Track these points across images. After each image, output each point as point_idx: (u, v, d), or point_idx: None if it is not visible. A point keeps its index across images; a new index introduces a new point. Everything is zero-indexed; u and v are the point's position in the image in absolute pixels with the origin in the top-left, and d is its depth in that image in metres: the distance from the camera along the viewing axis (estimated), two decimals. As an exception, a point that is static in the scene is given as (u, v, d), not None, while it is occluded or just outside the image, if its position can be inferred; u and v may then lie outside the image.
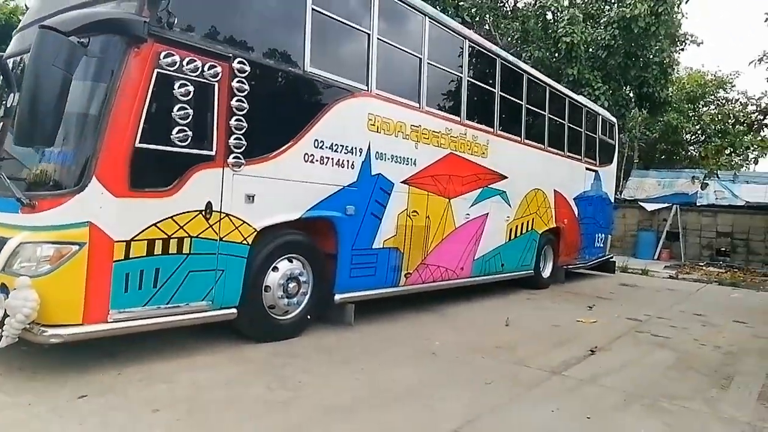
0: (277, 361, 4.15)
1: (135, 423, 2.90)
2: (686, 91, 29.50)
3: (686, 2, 15.84)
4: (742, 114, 13.64)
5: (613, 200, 12.01)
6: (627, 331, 6.42)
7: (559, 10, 15.79)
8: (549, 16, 16.53)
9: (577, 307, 7.80)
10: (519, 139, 8.06)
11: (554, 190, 9.17)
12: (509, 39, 17.93)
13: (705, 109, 29.70)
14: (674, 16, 15.58)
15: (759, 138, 14.55)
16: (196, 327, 4.23)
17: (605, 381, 4.41)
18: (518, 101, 8.02)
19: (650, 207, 17.24)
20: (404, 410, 3.39)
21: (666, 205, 16.81)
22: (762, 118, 13.32)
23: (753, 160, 27.68)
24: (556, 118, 9.16)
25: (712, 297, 10.40)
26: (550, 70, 15.99)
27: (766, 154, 20.04)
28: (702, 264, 15.60)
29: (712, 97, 30.52)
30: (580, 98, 10.60)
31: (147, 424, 2.90)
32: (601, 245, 11.43)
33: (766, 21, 14.70)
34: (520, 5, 20.10)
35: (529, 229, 8.49)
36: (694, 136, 30.94)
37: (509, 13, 19.88)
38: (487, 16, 19.27)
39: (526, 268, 8.63)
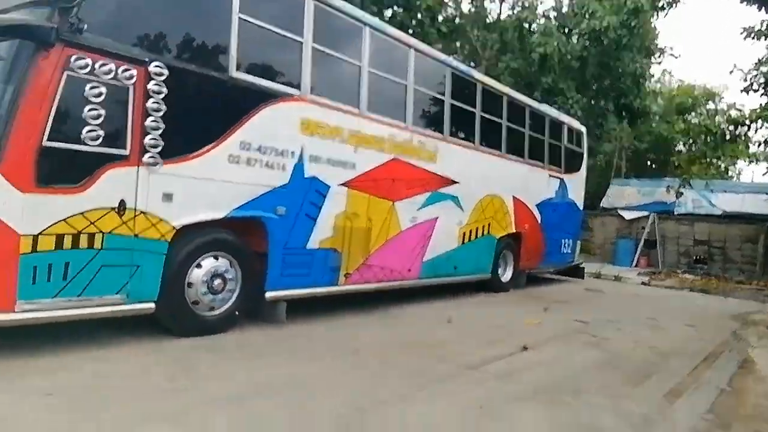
0: (192, 354, 4.26)
1: (19, 405, 3.02)
2: (676, 103, 29.82)
3: (665, 15, 16.15)
4: (713, 125, 13.74)
5: (581, 207, 12.10)
6: (568, 333, 6.51)
7: (535, 21, 16.09)
8: (526, 27, 16.83)
9: (530, 310, 7.88)
10: (472, 145, 8.20)
11: (513, 197, 9.29)
12: (489, 50, 18.22)
13: (695, 120, 29.97)
14: (648, 29, 15.84)
15: (729, 148, 14.64)
16: (127, 321, 4.36)
17: (521, 377, 4.50)
18: (471, 109, 8.18)
19: (629, 215, 17.34)
20: (288, 401, 3.46)
21: (644, 213, 16.89)
22: (733, 128, 13.42)
23: (735, 170, 27.79)
24: (515, 126, 9.30)
25: (676, 303, 10.47)
26: (526, 79, 16.28)
27: (736, 164, 20.12)
28: (679, 271, 15.65)
29: (702, 108, 30.80)
30: (544, 107, 10.75)
31: (29, 406, 3.01)
32: (569, 251, 11.51)
33: (742, 35, 14.93)
34: (502, 17, 20.44)
35: (485, 233, 8.60)
36: (685, 147, 31.18)
37: (491, 25, 20.22)
38: (469, 27, 19.62)
39: (482, 272, 8.73)
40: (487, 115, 8.52)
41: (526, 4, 17.58)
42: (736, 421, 3.79)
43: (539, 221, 10.14)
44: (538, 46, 14.85)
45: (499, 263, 9.17)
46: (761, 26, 14.54)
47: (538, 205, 10.11)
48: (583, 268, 12.25)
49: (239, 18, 4.81)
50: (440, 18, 17.30)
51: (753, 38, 14.65)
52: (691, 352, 5.92)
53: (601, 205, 19.11)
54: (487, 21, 20.47)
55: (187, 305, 4.63)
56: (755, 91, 14.54)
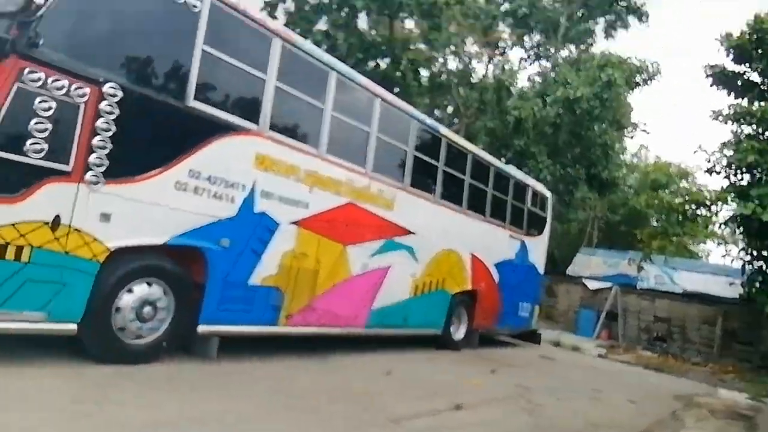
0: (110, 381, 4.13)
1: None
2: (651, 179, 30.83)
3: (640, 91, 16.91)
4: (675, 203, 14.23)
5: (542, 271, 12.22)
6: (508, 396, 6.44)
7: (513, 85, 16.76)
8: (505, 89, 17.50)
9: (477, 371, 7.83)
10: (432, 197, 8.34)
11: (471, 254, 9.37)
12: (469, 107, 18.83)
13: (669, 198, 30.87)
14: (621, 103, 16.59)
15: (689, 227, 15.11)
16: (52, 340, 4.23)
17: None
18: (434, 162, 8.37)
19: (592, 285, 17.55)
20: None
21: (608, 285, 17.12)
22: (694, 207, 13.88)
23: (704, 250, 28.50)
24: (478, 184, 9.50)
25: (627, 378, 10.47)
26: (501, 140, 16.78)
27: (705, 243, 20.63)
28: (639, 347, 15.73)
29: (675, 186, 31.86)
30: (509, 168, 11.05)
31: None
32: (527, 315, 11.53)
33: (711, 117, 15.70)
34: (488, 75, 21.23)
35: (439, 287, 8.61)
36: (658, 222, 32.02)
37: (475, 84, 20.94)
38: (453, 84, 20.30)
39: (433, 327, 8.69)
40: (449, 170, 8.70)
41: (507, 68, 18.36)
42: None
43: (497, 281, 10.20)
44: (514, 109, 15.42)
45: (452, 320, 9.13)
46: (729, 110, 15.35)
47: (496, 265, 10.19)
48: (540, 334, 12.24)
49: (203, 50, 4.94)
50: (426, 73, 17.90)
51: (720, 121, 15.43)
52: (622, 427, 5.90)
53: (567, 272, 19.33)
54: (472, 80, 21.28)
55: (111, 331, 4.51)
56: (717, 173, 15.14)
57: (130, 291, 4.61)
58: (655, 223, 31.73)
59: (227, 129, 5.22)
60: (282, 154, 5.78)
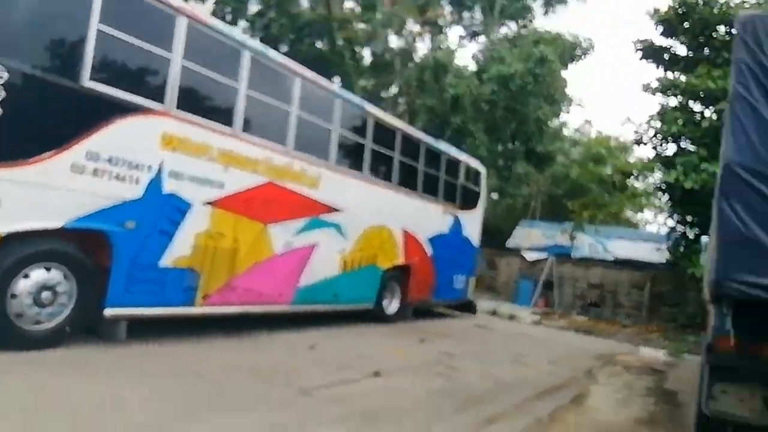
0: (1, 368, 4.05)
1: None
2: (593, 153, 31.92)
3: (575, 65, 17.38)
4: (605, 174, 14.83)
5: (477, 244, 12.56)
6: (429, 363, 6.65)
7: (451, 64, 16.94)
8: (443, 68, 17.66)
9: (407, 341, 8.03)
10: (360, 175, 8.41)
11: (403, 229, 9.54)
12: (410, 86, 18.94)
13: (598, 170, 32.07)
14: (555, 78, 17.05)
15: (620, 197, 15.83)
16: None
17: (354, 401, 4.59)
18: (361, 140, 8.42)
19: (530, 256, 18.17)
20: (86, 416, 3.37)
21: (545, 255, 17.76)
22: (624, 178, 14.52)
23: (641, 219, 29.83)
24: (408, 160, 9.64)
25: (556, 342, 10.91)
26: (440, 118, 16.99)
27: (642, 212, 21.64)
28: (574, 313, 16.46)
29: (616, 159, 33.10)
30: (441, 144, 11.21)
31: None
32: (462, 286, 11.85)
33: (642, 90, 16.30)
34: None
35: (370, 263, 8.75)
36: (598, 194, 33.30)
37: (415, 62, 21.01)
38: (397, 63, 20.31)
39: (365, 302, 8.84)
40: (378, 147, 8.78)
41: (444, 46, 18.53)
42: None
43: (430, 255, 10.43)
44: (451, 87, 15.61)
45: (385, 294, 9.31)
46: (657, 83, 15.99)
47: (430, 239, 10.41)
48: (475, 304, 12.63)
49: (98, 29, 4.78)
50: (367, 53, 17.85)
51: (650, 94, 16.07)
52: (534, 386, 6.21)
53: (506, 245, 19.92)
54: (414, 59, 21.34)
55: (7, 317, 4.41)
56: (645, 144, 15.84)
57: (26, 276, 4.50)
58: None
59: (129, 109, 5.10)
60: (192, 134, 5.70)
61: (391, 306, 9.57)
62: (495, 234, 23.28)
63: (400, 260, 9.54)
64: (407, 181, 9.65)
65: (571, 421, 4.96)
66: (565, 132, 29.17)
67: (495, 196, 22.39)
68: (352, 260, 8.34)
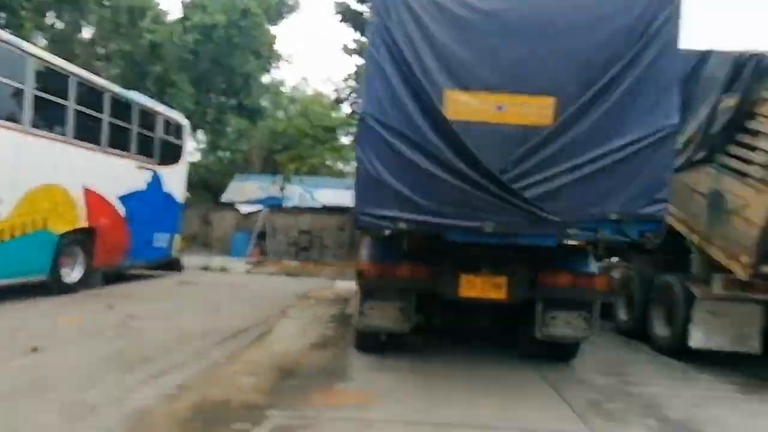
0: None
1: None
2: (310, 110, 33.50)
3: (282, 21, 17.63)
4: (307, 129, 15.89)
5: (182, 200, 12.19)
6: (106, 328, 6.26)
7: (149, 6, 15.52)
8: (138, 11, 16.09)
9: (90, 309, 7.45)
10: (17, 127, 7.23)
11: (84, 187, 8.62)
12: (100, 29, 16.74)
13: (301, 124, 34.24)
14: (262, 32, 17.16)
15: (323, 149, 17.27)
16: None
17: None
18: (19, 85, 7.21)
19: (245, 209, 18.52)
20: None
21: (259, 207, 18.32)
22: (323, 132, 15.76)
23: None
24: (88, 111, 8.65)
25: (260, 287, 11.42)
26: (139, 66, 15.57)
27: (332, 163, 23.93)
28: (286, 258, 17.53)
29: (325, 116, 35.44)
30: (132, 94, 10.37)
31: None
32: (164, 245, 11.43)
33: (343, 50, 17.54)
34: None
35: (39, 228, 7.71)
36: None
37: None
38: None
39: (34, 273, 7.80)
40: (45, 95, 7.66)
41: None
42: (189, 391, 4.24)
43: (122, 215, 9.73)
44: (148, 32, 14.35)
45: (63, 262, 8.35)
46: (354, 45, 17.44)
47: (121, 198, 9.68)
48: (180, 262, 12.36)
49: None
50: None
51: (348, 55, 17.48)
52: (221, 332, 6.44)
53: (221, 199, 19.86)
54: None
55: None
56: (344, 101, 17.38)
57: None
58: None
59: None
60: None
61: (73, 274, 8.63)
62: (211, 189, 22.89)
63: (82, 223, 8.64)
64: (88, 134, 8.68)
65: (248, 358, 5.37)
66: (283, 89, 29.95)
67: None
68: (12, 227, 7.22)
